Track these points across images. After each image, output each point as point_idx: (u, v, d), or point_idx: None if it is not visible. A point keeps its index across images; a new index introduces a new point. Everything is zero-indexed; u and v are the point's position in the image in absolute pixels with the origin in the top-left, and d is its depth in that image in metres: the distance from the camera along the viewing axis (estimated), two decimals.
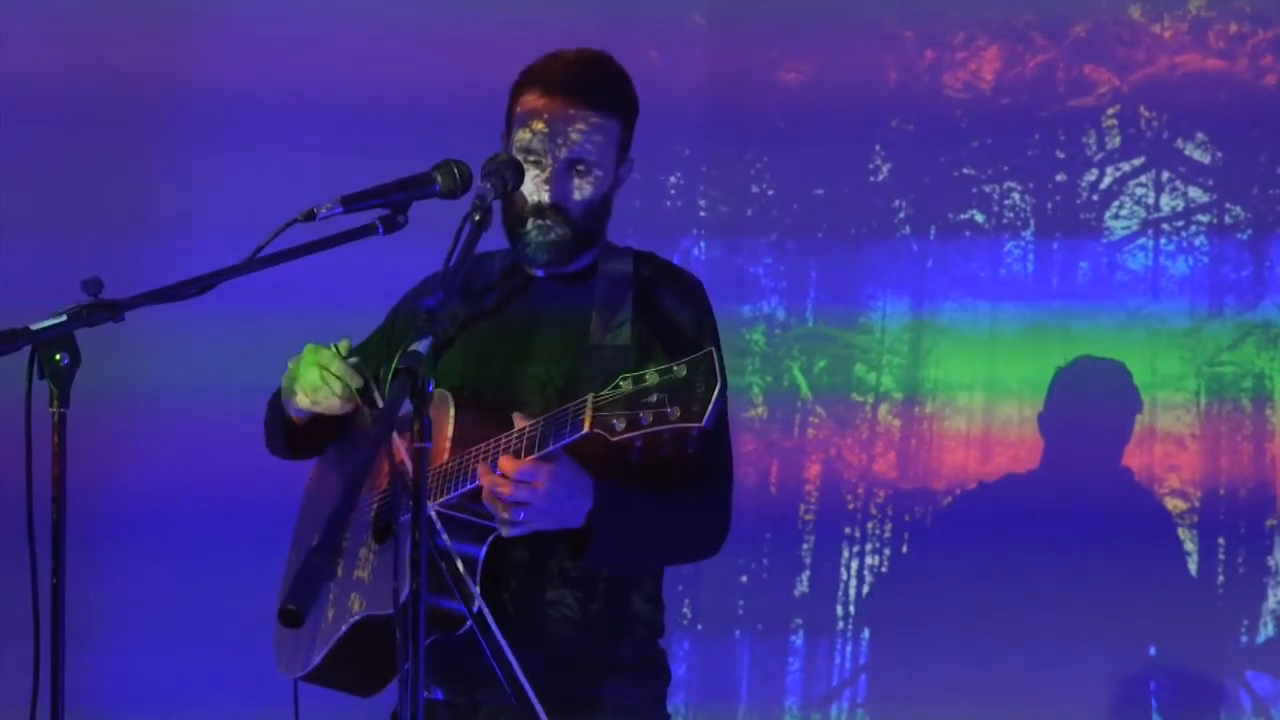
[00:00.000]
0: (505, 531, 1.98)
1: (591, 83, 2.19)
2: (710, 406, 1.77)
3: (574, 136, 2.17)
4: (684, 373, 1.81)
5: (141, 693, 3.42)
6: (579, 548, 2.06)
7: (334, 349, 2.17)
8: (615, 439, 1.82)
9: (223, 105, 3.44)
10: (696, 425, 1.78)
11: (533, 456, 1.90)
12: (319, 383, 2.13)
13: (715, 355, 1.82)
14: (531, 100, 2.19)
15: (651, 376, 1.82)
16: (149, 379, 3.28)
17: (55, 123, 3.45)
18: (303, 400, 2.17)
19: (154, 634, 3.37)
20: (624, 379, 1.84)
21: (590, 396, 1.85)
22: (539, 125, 2.17)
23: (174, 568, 3.32)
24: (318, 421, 2.23)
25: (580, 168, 2.19)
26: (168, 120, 3.42)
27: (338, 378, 2.13)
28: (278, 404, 2.30)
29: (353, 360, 2.17)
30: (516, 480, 1.92)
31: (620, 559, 2.15)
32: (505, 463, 1.91)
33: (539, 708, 1.99)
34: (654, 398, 1.80)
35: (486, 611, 1.99)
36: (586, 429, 1.84)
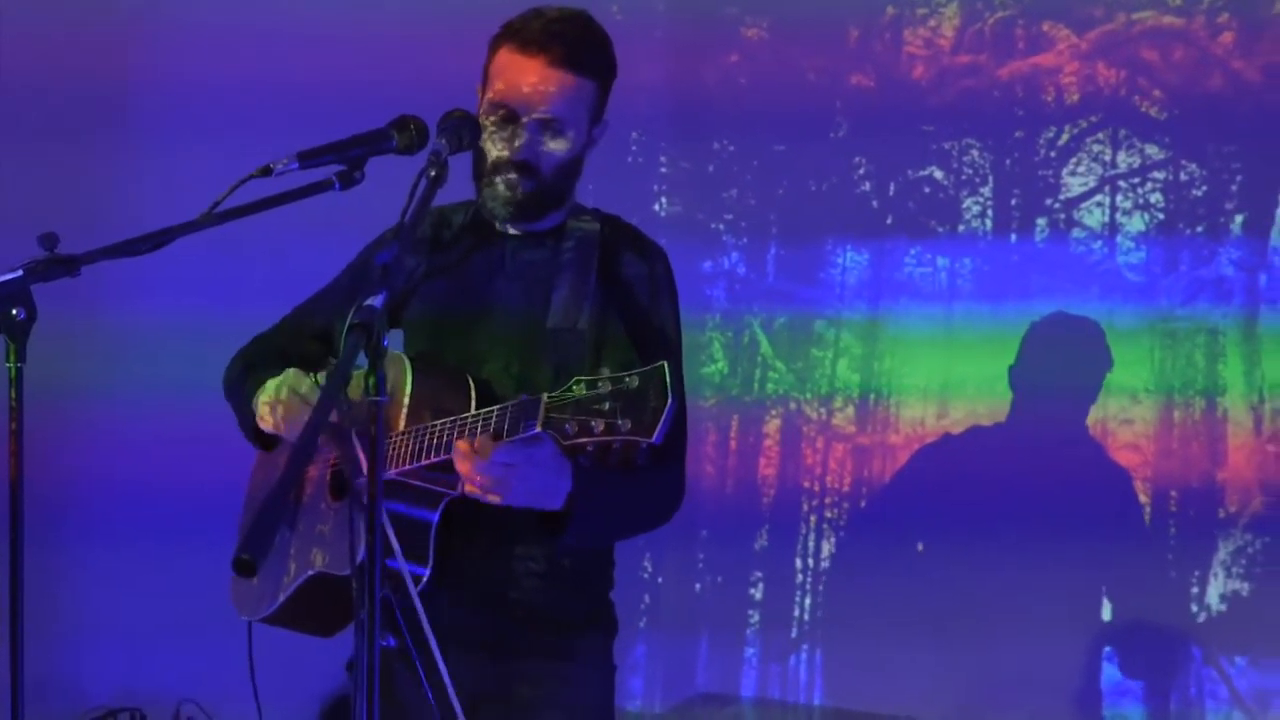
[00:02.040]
0: (476, 496, 2.00)
1: (569, 43, 2.18)
2: (661, 423, 1.79)
3: (548, 96, 2.16)
4: (636, 384, 1.81)
5: (102, 675, 3.42)
6: (554, 528, 2.08)
7: (314, 379, 2.20)
8: (566, 442, 1.84)
9: (190, 100, 3.41)
10: (646, 440, 1.80)
11: (514, 439, 1.90)
12: (294, 414, 2.16)
13: (666, 371, 1.81)
14: (508, 56, 2.19)
15: (604, 384, 1.83)
16: (108, 375, 3.27)
17: (19, 123, 3.40)
18: (280, 428, 2.20)
19: (114, 625, 3.37)
20: (577, 382, 1.85)
21: (545, 396, 1.86)
22: (514, 83, 2.17)
23: (136, 559, 3.32)
24: None
25: (553, 127, 2.19)
26: (135, 117, 3.39)
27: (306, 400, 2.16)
28: (242, 398, 2.30)
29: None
30: (495, 461, 1.93)
31: (594, 539, 2.18)
32: (484, 443, 1.92)
33: (444, 671, 2.01)
34: (606, 406, 1.81)
35: (426, 579, 2.02)
36: (538, 429, 1.86)
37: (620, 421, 1.80)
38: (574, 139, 2.21)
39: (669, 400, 1.80)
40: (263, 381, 2.25)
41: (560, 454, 1.98)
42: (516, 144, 2.17)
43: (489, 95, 2.21)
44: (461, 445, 1.94)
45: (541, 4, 2.24)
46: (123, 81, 3.35)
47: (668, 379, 1.81)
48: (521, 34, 2.19)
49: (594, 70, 2.22)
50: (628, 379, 1.82)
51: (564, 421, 1.83)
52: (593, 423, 1.82)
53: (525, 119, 2.17)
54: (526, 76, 2.16)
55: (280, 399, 2.19)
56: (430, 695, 2.06)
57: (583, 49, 2.20)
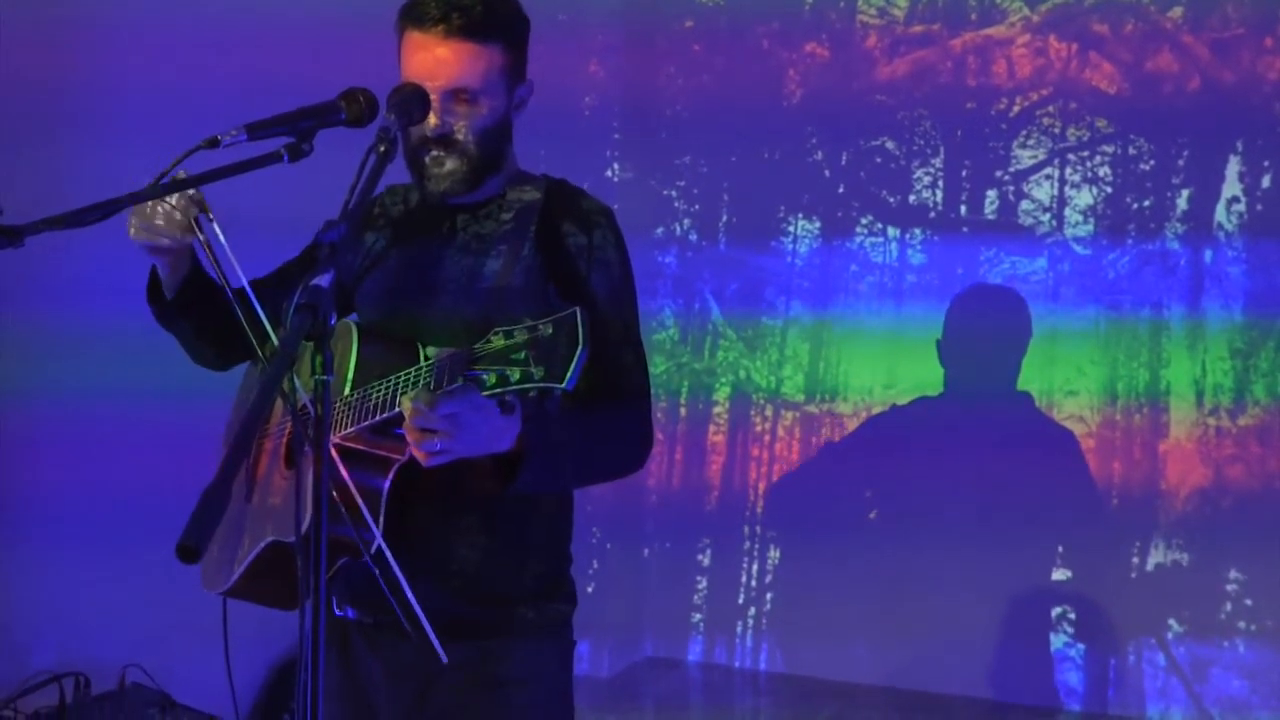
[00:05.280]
0: (425, 462, 1.98)
1: (465, 11, 2.14)
2: (571, 369, 1.78)
3: (452, 67, 2.13)
4: (549, 331, 1.80)
5: (46, 640, 3.40)
6: (508, 473, 2.07)
7: (172, 179, 2.04)
8: (485, 393, 1.83)
9: (140, 82, 3.35)
10: (558, 386, 1.80)
11: (452, 388, 1.89)
12: (151, 214, 2.05)
13: (579, 316, 1.80)
14: (409, 35, 2.17)
15: (520, 333, 1.82)
16: (46, 364, 3.23)
17: None
18: (140, 235, 2.07)
19: (59, 590, 3.35)
20: (496, 333, 1.83)
21: (470, 348, 1.86)
22: (417, 60, 2.15)
23: (80, 526, 3.29)
24: (190, 296, 2.19)
25: (464, 97, 2.16)
26: (85, 100, 3.33)
27: (171, 205, 2.05)
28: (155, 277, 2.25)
29: (191, 193, 2.07)
30: (438, 414, 1.92)
31: (550, 481, 2.16)
32: (425, 395, 1.91)
33: (434, 638, 2.01)
34: (521, 354, 1.80)
35: (383, 544, 2.00)
36: (460, 381, 1.85)
37: (533, 369, 1.80)
38: (490, 105, 2.18)
39: (580, 346, 1.79)
40: None
41: None
42: (431, 120, 2.16)
43: (404, 76, 2.19)
44: (405, 402, 1.93)
45: None
46: (72, 64, 3.30)
47: (580, 325, 1.80)
48: (417, 10, 2.17)
49: (496, 34, 2.17)
50: (542, 326, 1.81)
51: (482, 372, 1.83)
52: (507, 371, 1.81)
53: (436, 94, 2.15)
54: (428, 52, 2.14)
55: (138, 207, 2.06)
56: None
57: (480, 16, 2.15)
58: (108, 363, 3.10)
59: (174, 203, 2.07)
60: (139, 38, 3.35)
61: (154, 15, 3.38)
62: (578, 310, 1.81)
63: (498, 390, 1.81)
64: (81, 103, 3.35)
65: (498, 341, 1.83)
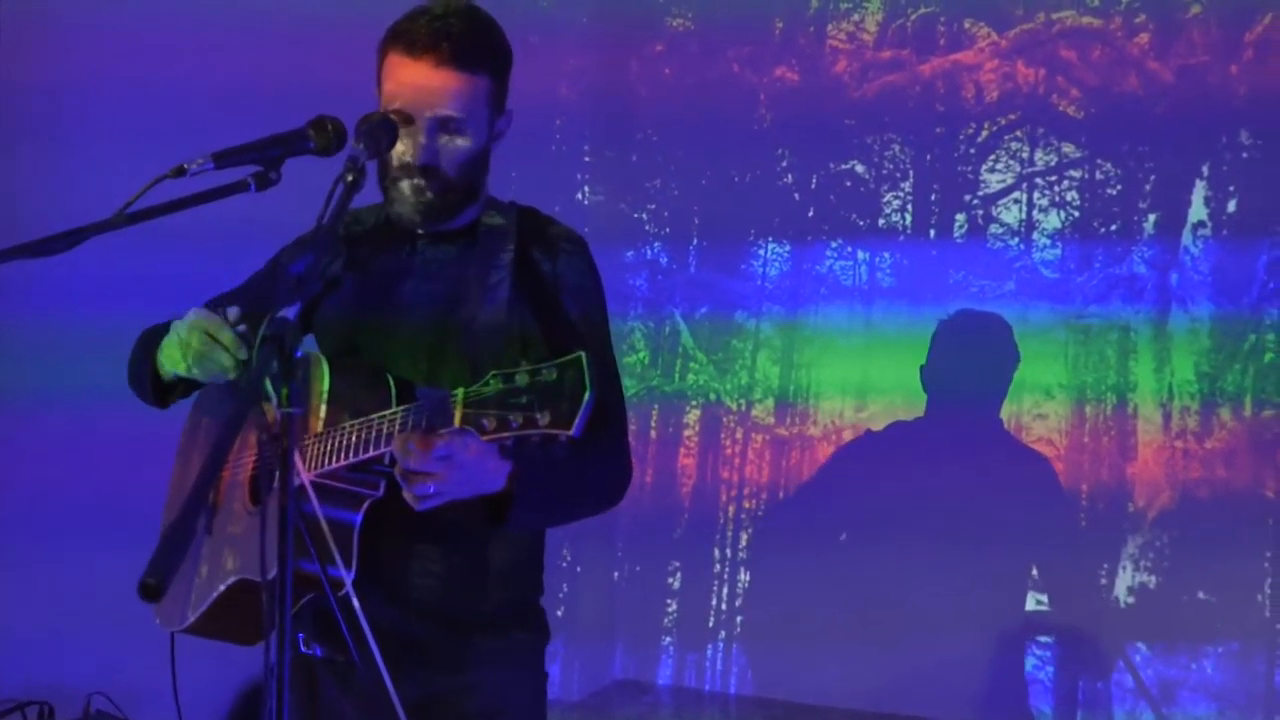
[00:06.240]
0: (417, 505, 1.96)
1: (455, 41, 2.13)
2: (580, 415, 1.75)
3: (441, 96, 2.13)
4: (554, 376, 1.77)
5: (10, 668, 3.37)
6: (497, 512, 2.04)
7: (223, 316, 2.10)
8: (485, 438, 1.80)
9: (107, 103, 3.33)
10: (565, 432, 1.77)
11: (448, 430, 1.86)
12: (205, 351, 2.07)
13: (584, 361, 1.77)
14: (396, 60, 2.16)
15: (522, 377, 1.79)
16: (14, 375, 3.20)
17: None
18: (193, 370, 2.10)
19: (24, 618, 3.33)
20: (494, 376, 1.80)
21: (461, 391, 1.83)
22: (404, 87, 2.14)
23: (45, 554, 3.26)
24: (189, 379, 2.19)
25: (450, 126, 2.16)
26: (49, 120, 3.31)
27: (225, 349, 2.06)
28: (147, 350, 2.24)
29: (241, 329, 2.09)
30: (433, 456, 1.90)
31: (539, 520, 2.14)
32: (421, 440, 1.89)
33: (389, 683, 1.99)
34: (524, 399, 1.77)
35: (350, 587, 1.98)
36: (455, 424, 1.83)
37: (538, 415, 1.77)
38: (474, 135, 2.18)
39: (588, 392, 1.77)
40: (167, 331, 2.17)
41: None
42: (416, 147, 2.14)
43: (383, 100, 2.18)
44: (399, 443, 1.90)
45: (426, 1, 2.20)
46: (36, 84, 3.28)
47: (586, 369, 1.78)
48: (406, 36, 2.15)
49: (484, 65, 2.18)
50: (545, 371, 1.79)
51: (480, 416, 1.80)
52: (510, 417, 1.78)
53: (421, 121, 2.14)
54: (416, 79, 2.13)
55: (188, 338, 2.09)
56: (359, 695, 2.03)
57: (469, 46, 2.15)
58: (85, 389, 3.08)
59: (227, 345, 2.07)
60: (105, 44, 3.33)
61: (121, 21, 3.36)
62: (583, 354, 1.78)
63: (498, 435, 1.78)
64: (45, 110, 3.33)
65: (495, 384, 1.80)
